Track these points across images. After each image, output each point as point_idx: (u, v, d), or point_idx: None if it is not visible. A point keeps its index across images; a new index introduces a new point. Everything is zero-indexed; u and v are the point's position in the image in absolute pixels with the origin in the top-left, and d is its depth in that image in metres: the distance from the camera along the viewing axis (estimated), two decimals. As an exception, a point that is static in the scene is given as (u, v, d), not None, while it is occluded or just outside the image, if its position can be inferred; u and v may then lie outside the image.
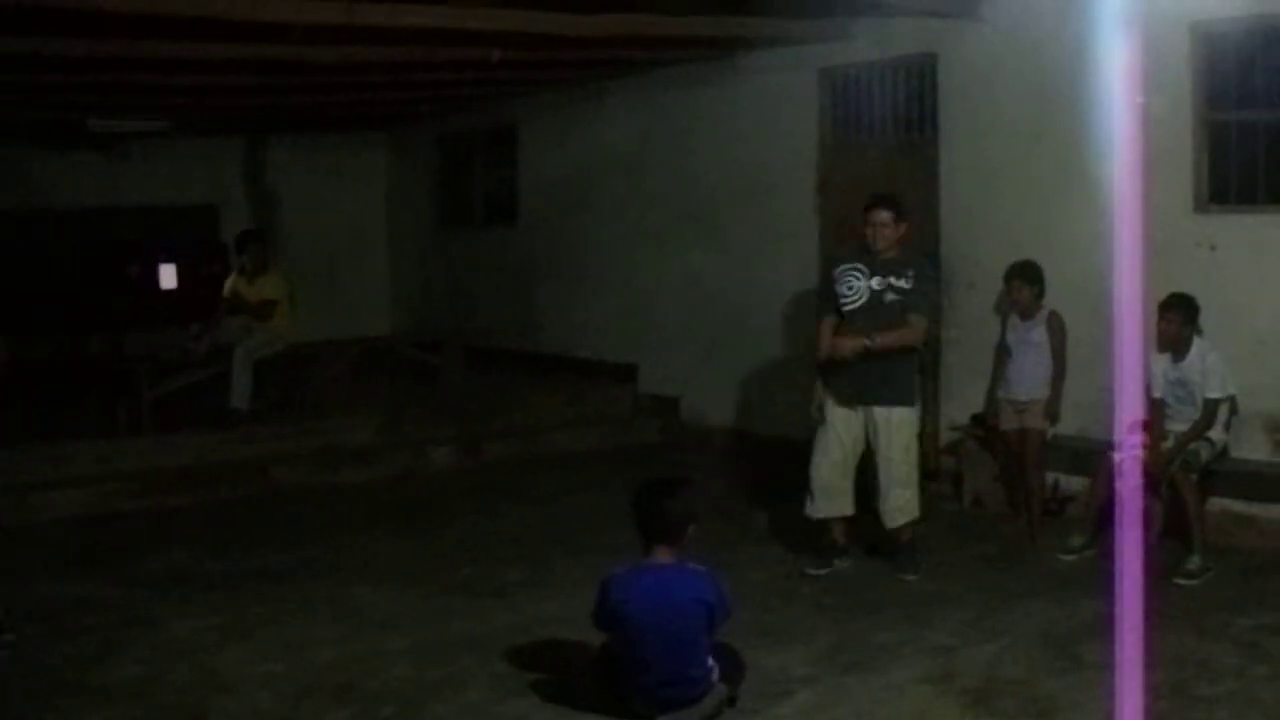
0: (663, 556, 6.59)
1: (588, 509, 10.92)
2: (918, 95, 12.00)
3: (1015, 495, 10.62)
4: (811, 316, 12.68)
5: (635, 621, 6.46)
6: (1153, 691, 6.06)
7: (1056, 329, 10.20)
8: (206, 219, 18.50)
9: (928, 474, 11.35)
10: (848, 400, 9.04)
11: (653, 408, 14.86)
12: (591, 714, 6.65)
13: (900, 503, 9.06)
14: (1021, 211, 10.96)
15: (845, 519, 9.23)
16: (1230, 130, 9.87)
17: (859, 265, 9.09)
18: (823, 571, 9.10)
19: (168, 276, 17.72)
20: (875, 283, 8.98)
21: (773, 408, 13.20)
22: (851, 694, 6.93)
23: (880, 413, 8.96)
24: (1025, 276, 10.20)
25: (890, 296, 8.96)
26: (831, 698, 6.89)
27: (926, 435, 11.51)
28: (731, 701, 6.64)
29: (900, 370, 9.02)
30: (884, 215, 9.04)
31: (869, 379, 8.93)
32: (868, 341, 8.81)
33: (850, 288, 9.07)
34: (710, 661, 6.56)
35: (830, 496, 9.12)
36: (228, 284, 14.04)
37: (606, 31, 11.21)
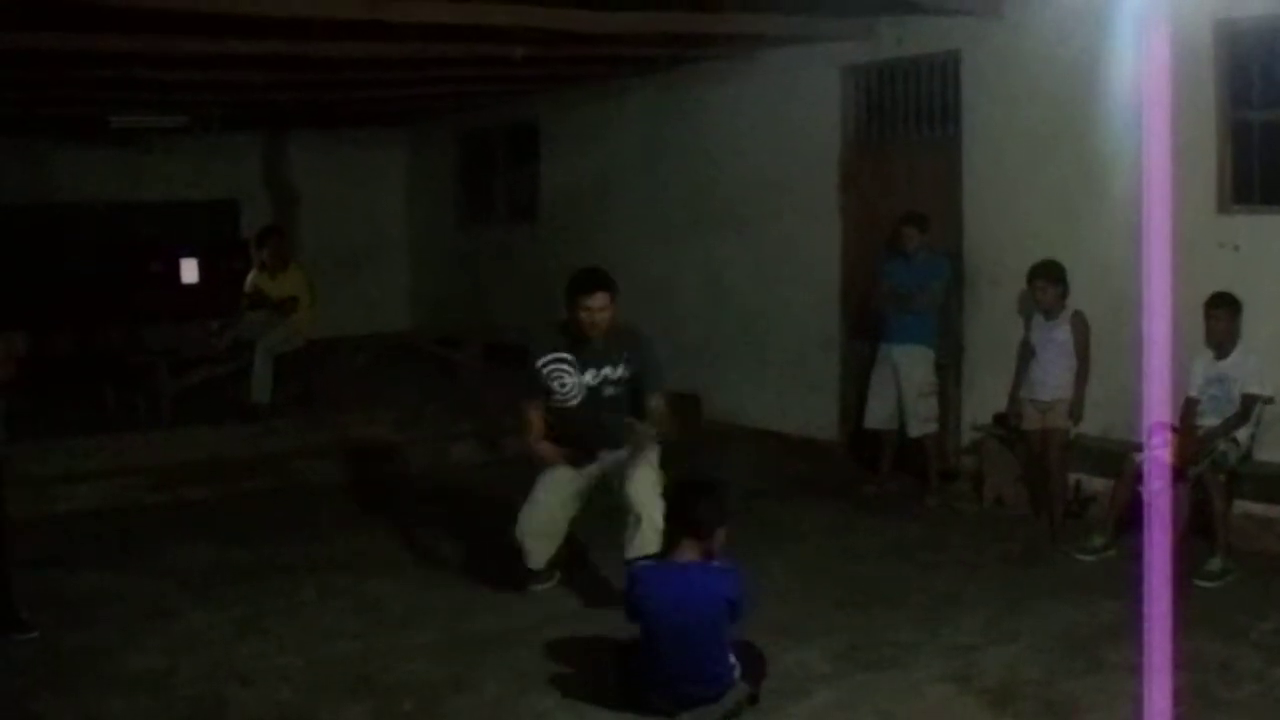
0: (689, 553, 6.64)
1: (607, 504, 10.89)
2: (941, 93, 11.98)
3: (1037, 495, 10.60)
4: (834, 313, 12.71)
5: (656, 616, 6.51)
6: (1174, 694, 6.07)
7: (1080, 328, 10.18)
8: (227, 214, 18.58)
9: (946, 475, 11.36)
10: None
11: (673, 405, 14.81)
12: (613, 710, 6.66)
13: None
14: (1045, 210, 10.93)
15: None
16: (1254, 130, 9.83)
17: (566, 356, 8.35)
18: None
19: (189, 271, 17.78)
20: (589, 376, 8.34)
21: (793, 406, 13.20)
22: (871, 692, 6.93)
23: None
24: (1049, 275, 10.18)
25: (609, 390, 8.39)
26: (851, 696, 6.89)
27: (944, 434, 11.54)
28: (753, 699, 6.64)
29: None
30: (600, 298, 8.18)
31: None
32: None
33: (562, 384, 8.36)
34: (732, 659, 6.57)
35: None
36: (249, 279, 14.06)
37: (629, 29, 11.20)
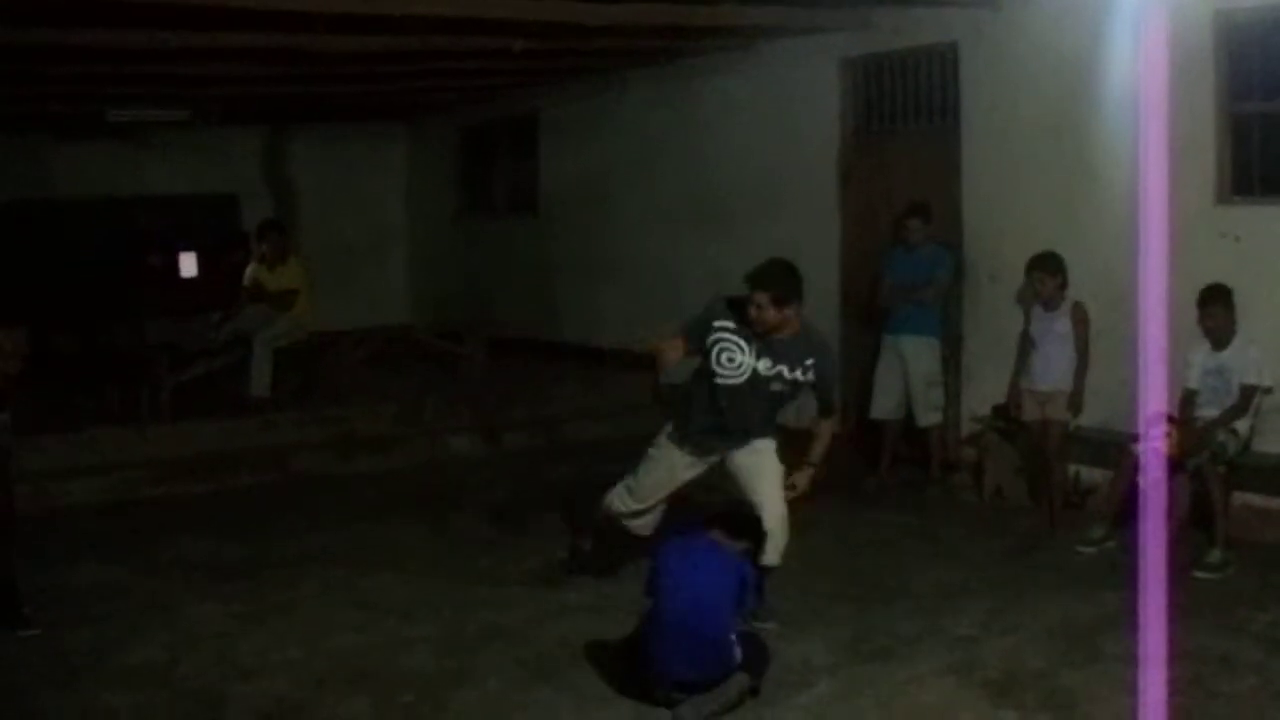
0: (715, 538, 7.03)
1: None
2: (939, 84, 11.98)
3: (1036, 487, 10.60)
4: (833, 307, 12.69)
5: (669, 581, 6.69)
6: (1173, 686, 6.08)
7: (1080, 320, 10.18)
8: (227, 208, 18.57)
9: (947, 466, 11.36)
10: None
11: (673, 398, 14.78)
12: (614, 701, 6.68)
13: None
14: (1043, 201, 10.93)
15: None
16: (1253, 121, 9.83)
17: (743, 332, 7.94)
18: None
19: (188, 265, 17.80)
20: (764, 364, 7.88)
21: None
22: (873, 684, 6.94)
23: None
24: (1047, 267, 10.18)
25: (777, 386, 7.94)
26: (853, 688, 6.90)
27: (946, 426, 11.55)
28: (754, 691, 6.65)
29: None
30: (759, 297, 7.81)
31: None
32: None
33: (731, 358, 7.94)
34: (735, 648, 6.58)
35: None
36: (248, 273, 14.03)
37: (628, 21, 11.20)
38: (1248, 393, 9.25)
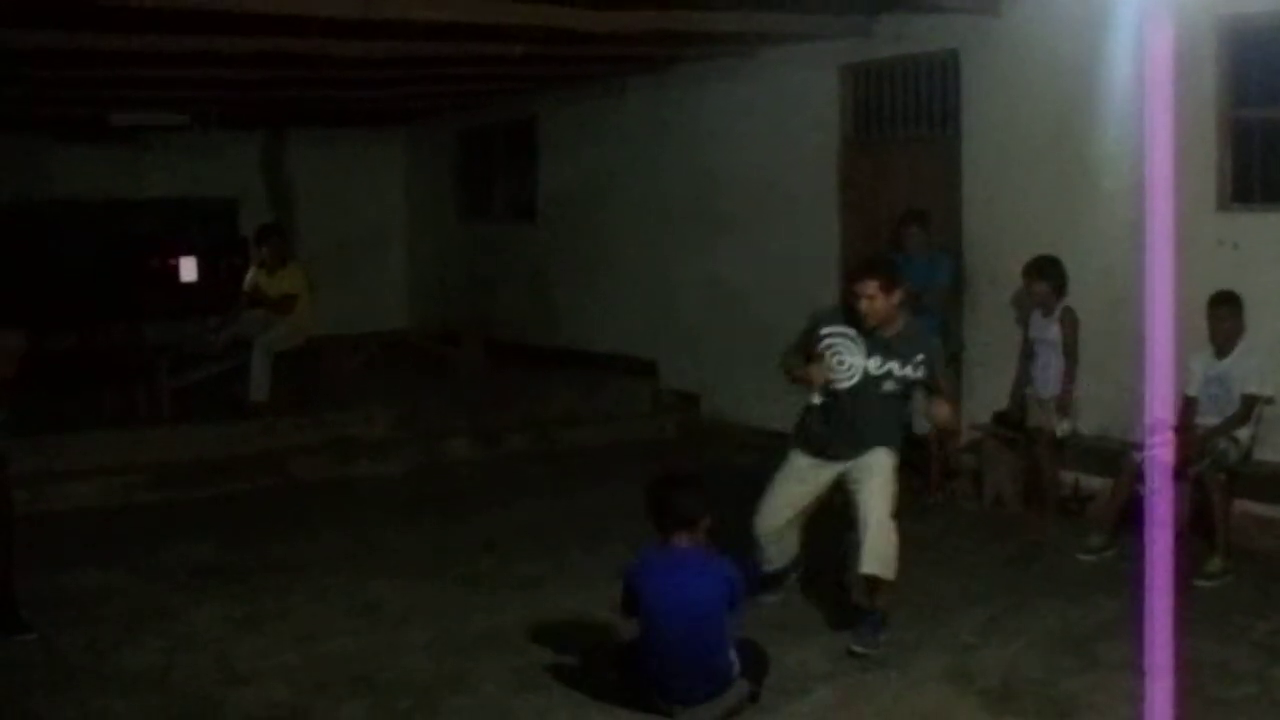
0: (684, 542, 6.66)
1: (606, 503, 10.88)
2: (940, 92, 11.96)
3: (1034, 494, 10.60)
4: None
5: (658, 604, 6.52)
6: (1173, 694, 6.05)
7: (1068, 325, 10.18)
8: (226, 212, 18.58)
9: (948, 473, 11.35)
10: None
11: (673, 404, 14.84)
12: (612, 708, 6.65)
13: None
14: (1044, 208, 10.92)
15: None
16: (1254, 128, 9.82)
17: (849, 332, 7.84)
18: None
19: (188, 269, 17.81)
20: (874, 363, 7.78)
21: (795, 404, 13.15)
22: (871, 691, 6.92)
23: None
24: (1042, 273, 10.19)
25: (889, 385, 7.81)
26: (851, 695, 6.89)
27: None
28: (754, 697, 6.64)
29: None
30: (868, 286, 7.69)
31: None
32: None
33: (841, 361, 7.83)
34: (732, 655, 6.56)
35: None
36: (248, 277, 14.05)
37: (628, 27, 11.19)
38: (1249, 401, 9.23)
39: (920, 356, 7.72)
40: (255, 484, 11.98)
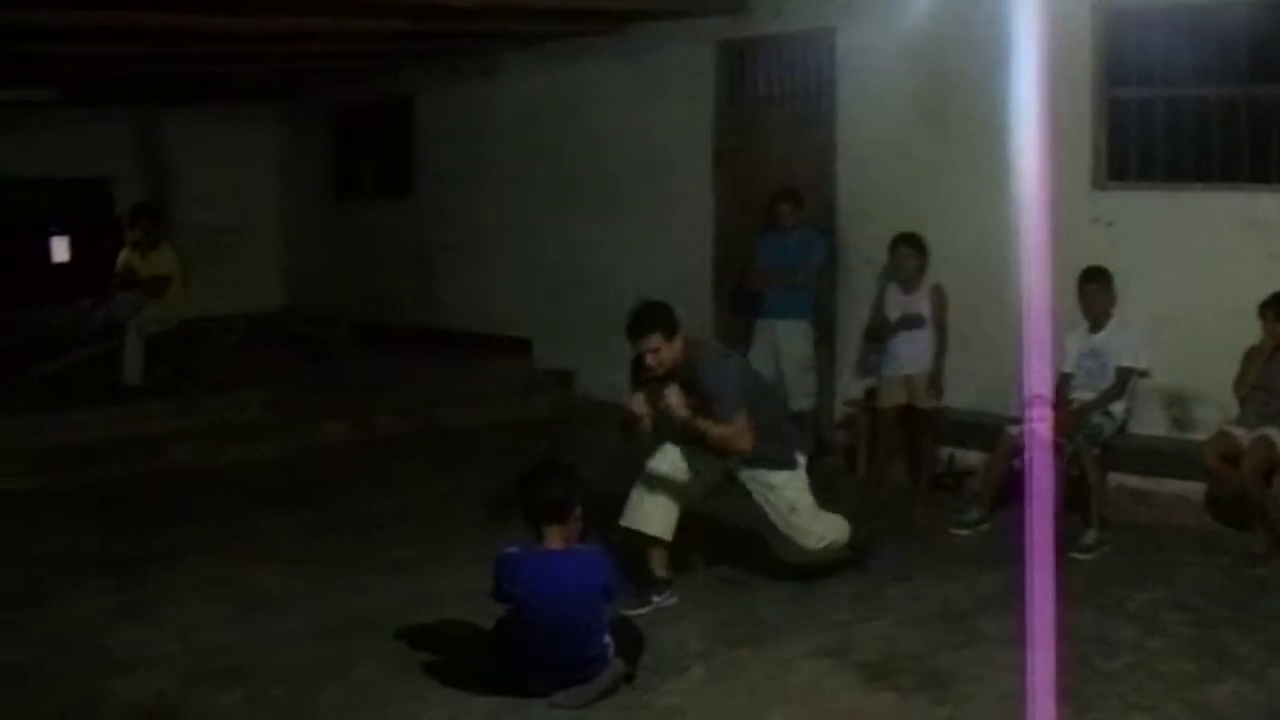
0: (554, 540, 6.58)
1: (479, 485, 10.82)
2: (815, 69, 11.96)
3: (886, 471, 10.67)
4: (706, 290, 12.69)
5: (530, 609, 6.45)
6: (1053, 665, 6.09)
7: (939, 301, 10.27)
8: (98, 191, 18.25)
9: (820, 450, 11.37)
10: None
11: (547, 383, 14.77)
12: (487, 692, 6.58)
13: None
14: (920, 186, 10.98)
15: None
16: (1130, 106, 9.90)
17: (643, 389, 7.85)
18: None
19: (59, 250, 17.51)
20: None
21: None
22: (746, 667, 6.94)
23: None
24: (914, 244, 10.26)
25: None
26: (726, 671, 6.90)
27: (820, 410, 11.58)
28: (629, 678, 6.61)
29: None
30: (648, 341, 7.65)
31: None
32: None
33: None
34: (607, 638, 6.53)
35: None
36: (120, 258, 13.80)
37: (503, 2, 11.11)
38: (1123, 375, 9.35)
39: (708, 387, 7.62)
40: (130, 470, 11.70)
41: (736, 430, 7.59)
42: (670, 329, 7.65)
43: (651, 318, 7.72)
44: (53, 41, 11.89)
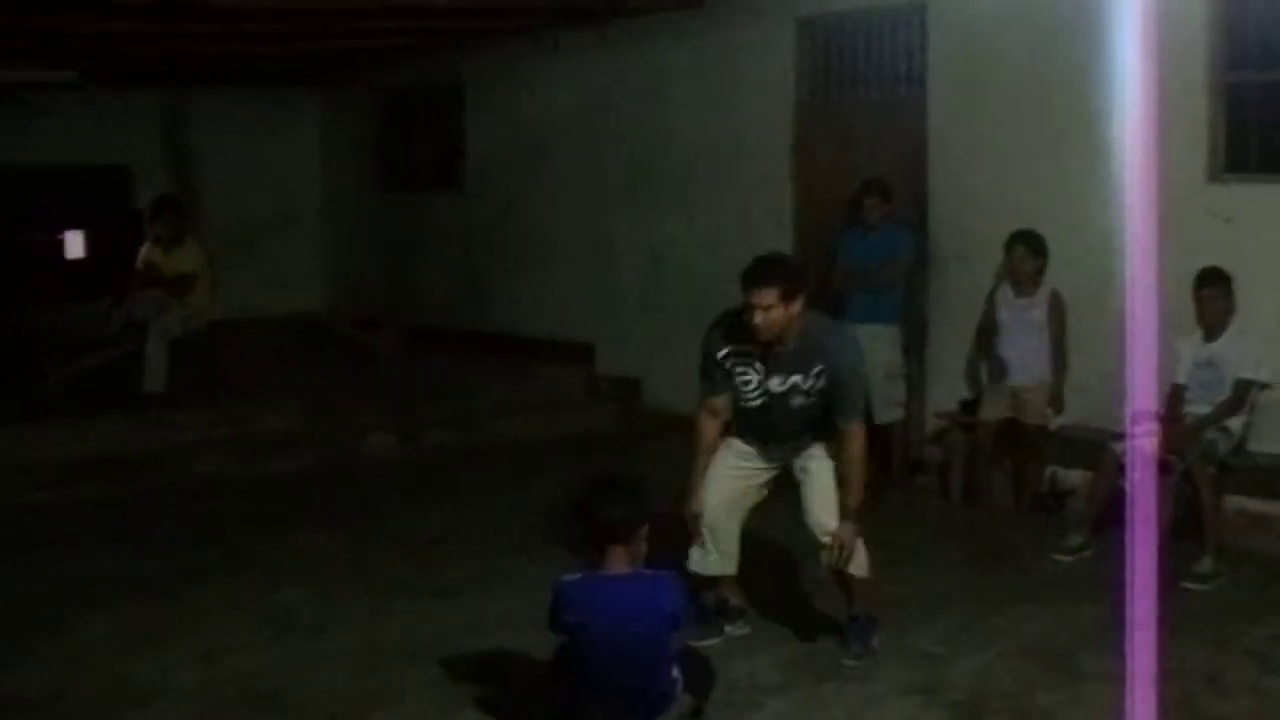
0: (618, 563, 6.36)
1: (537, 502, 10.86)
2: (905, 49, 11.96)
3: (1007, 490, 10.64)
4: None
5: (589, 637, 6.32)
6: (1158, 707, 6.09)
7: (1058, 310, 10.23)
8: (118, 181, 18.37)
9: (910, 466, 11.38)
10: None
11: (610, 391, 14.80)
12: (543, 727, 6.63)
13: None
14: (1018, 179, 10.95)
15: None
16: (1250, 92, 9.85)
17: (745, 350, 7.59)
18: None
19: (75, 245, 17.60)
20: (775, 382, 7.56)
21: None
22: (828, 706, 6.93)
23: None
24: (1032, 244, 10.23)
25: (798, 400, 7.57)
26: (805, 710, 6.90)
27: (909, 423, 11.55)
28: (697, 713, 6.59)
29: None
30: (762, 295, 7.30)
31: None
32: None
33: (745, 382, 7.64)
34: (675, 672, 6.50)
35: None
36: (141, 254, 13.92)
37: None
38: (1241, 388, 9.27)
39: (819, 367, 7.44)
40: (153, 483, 11.82)
41: (862, 448, 7.49)
42: (793, 288, 7.30)
43: (774, 267, 7.47)
44: (68, 16, 11.98)
